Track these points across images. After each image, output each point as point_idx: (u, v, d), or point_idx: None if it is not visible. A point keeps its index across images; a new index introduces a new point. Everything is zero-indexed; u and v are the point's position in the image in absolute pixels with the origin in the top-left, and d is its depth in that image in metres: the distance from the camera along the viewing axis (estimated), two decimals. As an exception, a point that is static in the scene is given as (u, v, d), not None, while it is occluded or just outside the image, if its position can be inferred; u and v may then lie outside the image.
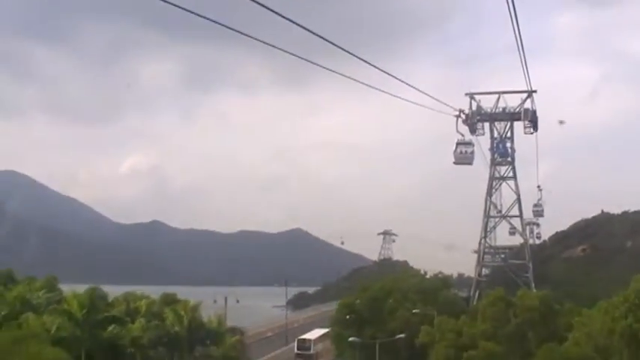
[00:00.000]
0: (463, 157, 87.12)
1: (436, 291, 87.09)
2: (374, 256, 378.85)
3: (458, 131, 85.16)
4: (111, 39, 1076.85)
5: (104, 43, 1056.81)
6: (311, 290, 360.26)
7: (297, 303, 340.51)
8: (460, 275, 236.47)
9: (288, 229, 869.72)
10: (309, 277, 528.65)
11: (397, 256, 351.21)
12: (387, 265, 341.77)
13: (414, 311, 79.68)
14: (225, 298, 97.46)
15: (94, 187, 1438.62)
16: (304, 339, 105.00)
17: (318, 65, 27.93)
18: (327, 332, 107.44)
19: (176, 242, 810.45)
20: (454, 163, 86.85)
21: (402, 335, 66.40)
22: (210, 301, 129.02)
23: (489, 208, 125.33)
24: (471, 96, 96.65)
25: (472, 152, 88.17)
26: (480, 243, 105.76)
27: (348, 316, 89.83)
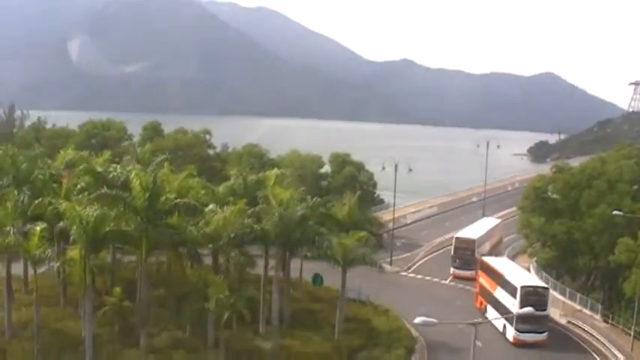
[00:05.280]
0: None
1: (655, 181, 63.68)
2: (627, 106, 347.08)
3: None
4: None
5: None
6: (552, 139, 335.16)
7: (538, 152, 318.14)
8: None
9: (540, 72, 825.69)
10: (556, 123, 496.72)
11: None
12: (635, 118, 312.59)
13: (614, 212, 57.91)
14: (396, 166, 79.48)
15: (346, 24, 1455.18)
16: (466, 239, 76.11)
17: None
18: (498, 225, 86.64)
19: (426, 81, 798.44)
20: None
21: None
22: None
23: None
24: None
25: None
26: None
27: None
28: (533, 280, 62.20)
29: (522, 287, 55.18)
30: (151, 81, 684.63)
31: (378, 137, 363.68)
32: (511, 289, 56.25)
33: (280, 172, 60.90)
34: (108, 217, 42.48)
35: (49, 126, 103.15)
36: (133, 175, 45.94)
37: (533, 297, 54.87)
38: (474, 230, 79.16)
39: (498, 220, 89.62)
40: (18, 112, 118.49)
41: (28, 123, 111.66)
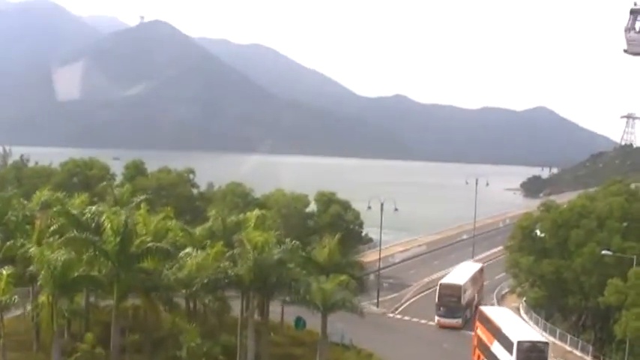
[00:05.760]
0: None
1: (644, 217, 62.24)
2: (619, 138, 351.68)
3: (636, -13, 38.24)
4: None
5: None
6: (545, 174, 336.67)
7: (530, 187, 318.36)
8: None
9: (533, 107, 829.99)
10: (549, 157, 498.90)
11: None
12: (628, 152, 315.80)
13: (603, 252, 56.74)
14: (382, 205, 78.09)
15: (338, 61, 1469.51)
16: (451, 285, 71.44)
17: None
18: (480, 269, 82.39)
19: (418, 116, 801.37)
20: (625, 51, 41.92)
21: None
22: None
23: None
24: None
25: None
26: None
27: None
28: (533, 334, 57.59)
29: (519, 342, 50.92)
30: (142, 117, 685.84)
31: (370, 173, 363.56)
32: (507, 344, 52.11)
33: (261, 212, 59.09)
34: (76, 262, 41.17)
35: (32, 164, 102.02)
36: (104, 217, 44.42)
37: (532, 353, 51.19)
38: (459, 276, 75.48)
39: (480, 265, 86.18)
40: (0, 150, 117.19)
41: (11, 161, 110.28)
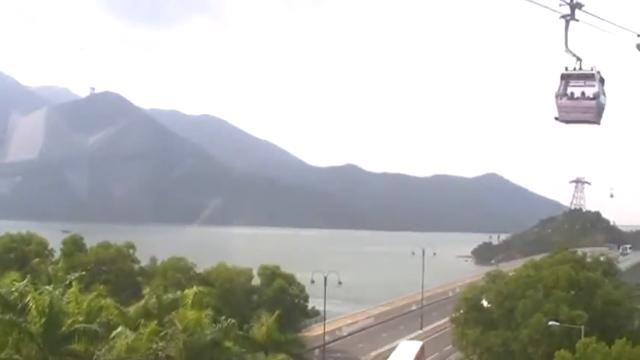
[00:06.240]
0: (576, 108, 34.52)
1: (593, 287, 61.46)
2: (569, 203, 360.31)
3: (567, 50, 32.32)
4: None
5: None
6: (496, 240, 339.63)
7: (482, 254, 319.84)
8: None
9: (483, 173, 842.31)
10: (502, 223, 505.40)
11: (590, 206, 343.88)
12: (577, 216, 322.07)
13: (550, 323, 55.76)
14: (325, 278, 76.31)
15: (290, 130, 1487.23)
16: None
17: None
18: (421, 348, 74.72)
19: (370, 185, 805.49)
20: (556, 118, 35.68)
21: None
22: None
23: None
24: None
25: (596, 95, 32.89)
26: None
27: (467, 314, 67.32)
28: None
29: None
30: (93, 189, 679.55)
31: (319, 243, 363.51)
32: None
33: (199, 289, 56.81)
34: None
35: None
36: (29, 297, 42.30)
37: None
38: (402, 357, 69.73)
39: (421, 343, 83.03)
40: None
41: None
